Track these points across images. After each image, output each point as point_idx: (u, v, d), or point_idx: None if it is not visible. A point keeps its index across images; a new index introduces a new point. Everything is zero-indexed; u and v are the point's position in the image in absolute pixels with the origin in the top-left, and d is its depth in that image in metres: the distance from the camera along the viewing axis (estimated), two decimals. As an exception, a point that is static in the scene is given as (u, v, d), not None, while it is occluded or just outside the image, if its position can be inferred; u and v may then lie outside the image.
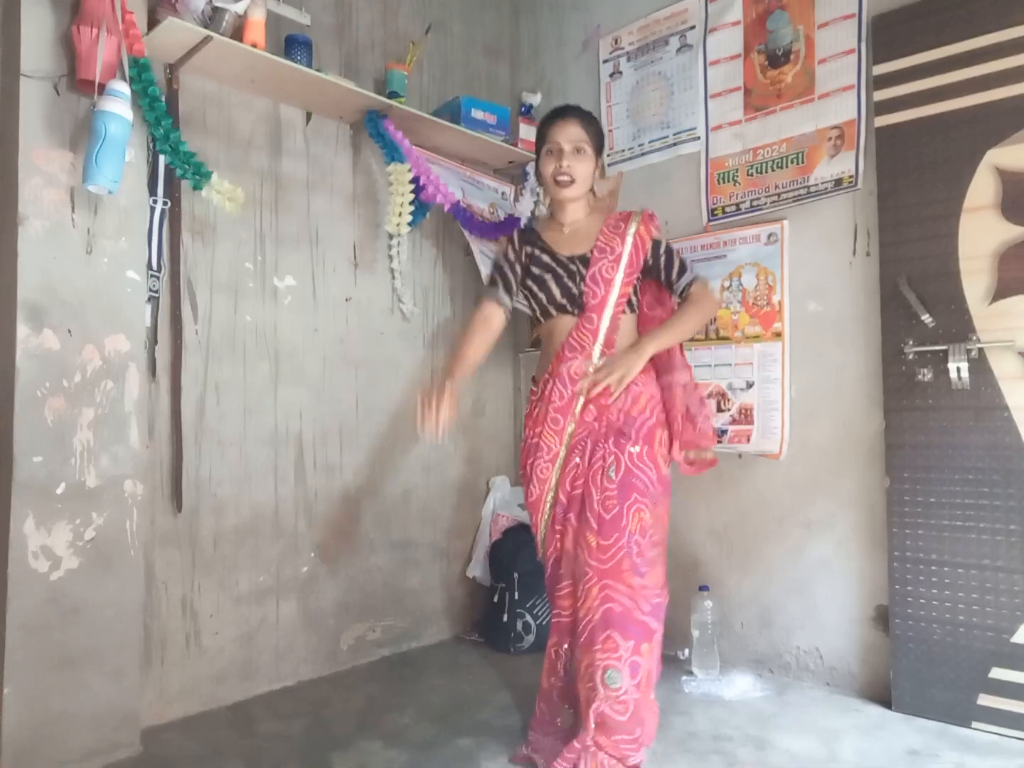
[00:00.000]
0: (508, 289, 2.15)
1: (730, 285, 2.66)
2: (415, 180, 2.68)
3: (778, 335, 2.58)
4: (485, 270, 2.80)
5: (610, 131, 3.07)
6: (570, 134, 2.04)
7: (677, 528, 2.80)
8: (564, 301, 2.05)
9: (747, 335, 2.64)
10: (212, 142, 2.39)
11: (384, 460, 2.87)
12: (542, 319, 2.12)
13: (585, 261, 2.04)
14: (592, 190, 2.13)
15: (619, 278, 2.02)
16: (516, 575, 2.86)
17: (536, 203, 3.04)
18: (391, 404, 2.89)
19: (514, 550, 2.89)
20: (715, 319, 2.68)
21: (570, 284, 2.04)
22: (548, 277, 2.07)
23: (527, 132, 3.05)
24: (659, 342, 2.00)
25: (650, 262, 2.08)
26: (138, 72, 1.98)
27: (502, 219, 2.99)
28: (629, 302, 2.07)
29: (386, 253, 2.89)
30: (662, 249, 2.08)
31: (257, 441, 2.50)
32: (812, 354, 2.53)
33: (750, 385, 2.63)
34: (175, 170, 2.11)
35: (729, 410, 2.65)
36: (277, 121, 2.60)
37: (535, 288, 2.10)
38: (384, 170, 2.71)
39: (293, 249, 2.63)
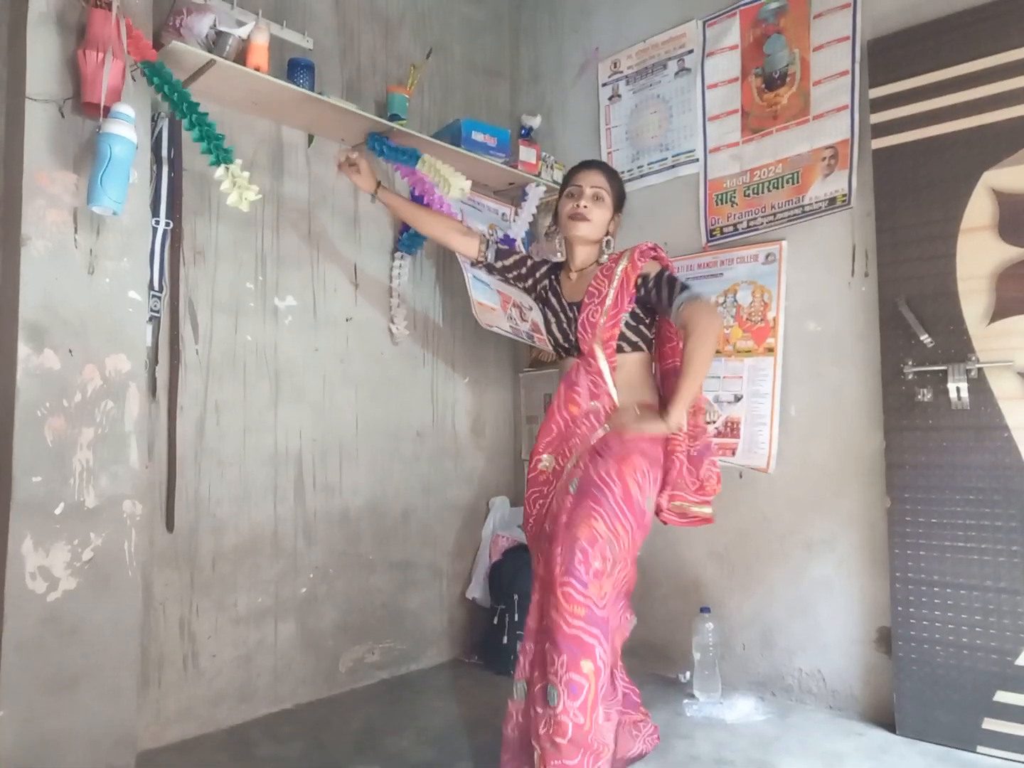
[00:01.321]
0: (502, 259, 2.29)
1: (724, 301, 2.68)
2: (418, 198, 2.69)
3: (770, 350, 2.59)
4: (476, 295, 2.76)
5: (609, 153, 3.10)
6: (592, 180, 2.10)
7: (677, 549, 2.80)
8: (566, 345, 2.12)
9: (738, 349, 2.65)
10: (214, 164, 2.41)
11: (384, 480, 2.87)
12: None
13: (579, 307, 2.06)
14: (603, 246, 2.13)
15: (602, 321, 2.00)
16: (516, 596, 2.84)
17: (549, 235, 3.05)
18: (391, 424, 2.90)
19: (514, 571, 2.87)
20: None
21: (567, 329, 2.10)
22: (552, 320, 2.15)
23: (527, 154, 3.08)
24: (683, 402, 1.90)
25: (645, 298, 2.01)
26: (154, 72, 2.01)
27: (499, 240, 3.00)
28: (628, 341, 2.02)
29: (387, 274, 2.91)
30: (651, 281, 1.99)
31: (257, 461, 2.51)
32: (812, 373, 2.54)
33: (738, 399, 2.63)
34: (177, 191, 2.13)
35: (714, 423, 2.66)
36: (279, 143, 2.63)
37: (545, 329, 2.19)
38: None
39: (294, 269, 2.65)
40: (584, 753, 1.73)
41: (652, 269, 2.03)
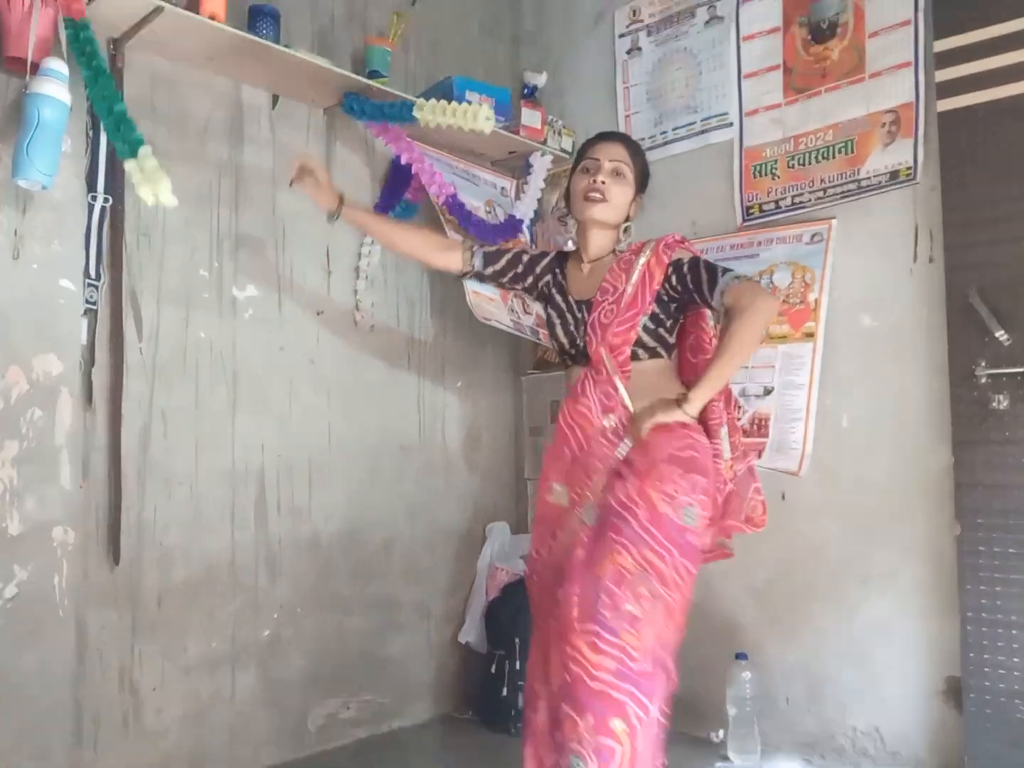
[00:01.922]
0: (492, 263, 2.27)
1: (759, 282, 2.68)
2: (403, 168, 2.70)
3: (809, 335, 2.58)
4: (471, 284, 2.74)
5: (627, 117, 3.11)
6: (612, 152, 2.10)
7: (708, 584, 2.78)
8: (572, 351, 2.11)
9: (771, 335, 2.65)
10: (162, 129, 2.41)
11: (361, 502, 2.86)
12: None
13: (589, 307, 2.06)
14: (621, 233, 2.13)
15: (614, 322, 2.00)
16: (517, 640, 2.84)
17: (561, 218, 3.05)
18: (369, 436, 2.90)
19: (515, 611, 2.86)
20: None
21: (575, 333, 2.09)
22: (558, 323, 2.15)
23: (530, 118, 3.08)
24: (709, 386, 1.89)
25: (678, 288, 2.00)
26: (75, 32, 1.97)
27: (501, 220, 3.00)
28: (645, 347, 2.01)
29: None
30: (685, 265, 2.00)
31: (211, 479, 2.50)
32: (866, 377, 2.54)
33: (768, 391, 2.63)
34: (118, 161, 2.10)
35: (740, 420, 2.65)
36: (238, 105, 2.63)
37: (548, 332, 2.20)
38: (364, 159, 2.73)
39: (256, 254, 2.65)
40: None
41: (684, 256, 2.03)
